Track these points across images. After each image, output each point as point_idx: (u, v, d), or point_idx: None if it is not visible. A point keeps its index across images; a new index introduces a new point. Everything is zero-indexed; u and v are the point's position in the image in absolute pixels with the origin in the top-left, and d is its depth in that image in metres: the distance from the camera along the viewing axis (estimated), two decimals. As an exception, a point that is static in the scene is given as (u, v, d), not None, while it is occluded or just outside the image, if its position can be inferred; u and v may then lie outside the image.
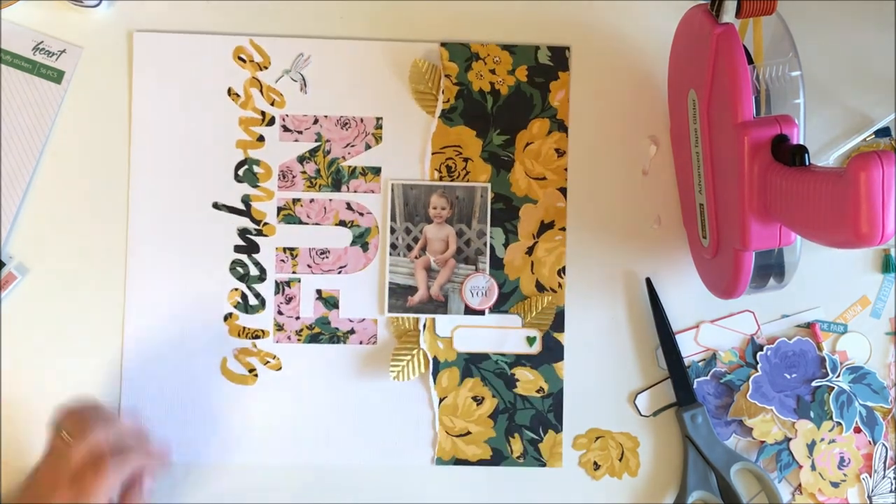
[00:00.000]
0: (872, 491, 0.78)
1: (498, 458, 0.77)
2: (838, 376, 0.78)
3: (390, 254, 0.77)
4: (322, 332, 0.77)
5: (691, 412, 0.77)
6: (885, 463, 0.78)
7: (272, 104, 0.78)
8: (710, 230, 0.71)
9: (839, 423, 0.78)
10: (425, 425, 0.77)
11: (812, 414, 0.78)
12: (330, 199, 0.78)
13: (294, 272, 0.77)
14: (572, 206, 0.79)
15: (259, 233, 0.77)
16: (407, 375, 0.76)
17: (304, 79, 0.78)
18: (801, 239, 0.70)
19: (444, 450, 0.77)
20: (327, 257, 0.77)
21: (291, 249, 0.77)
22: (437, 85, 0.78)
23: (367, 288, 0.77)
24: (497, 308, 0.78)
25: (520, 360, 0.78)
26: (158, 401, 0.76)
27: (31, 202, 0.76)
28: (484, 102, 0.78)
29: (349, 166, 0.78)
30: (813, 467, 0.78)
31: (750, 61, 0.69)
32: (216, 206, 0.77)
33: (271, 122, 0.78)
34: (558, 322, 0.78)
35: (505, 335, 0.78)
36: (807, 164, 0.61)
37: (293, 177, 0.77)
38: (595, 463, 0.78)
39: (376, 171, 0.78)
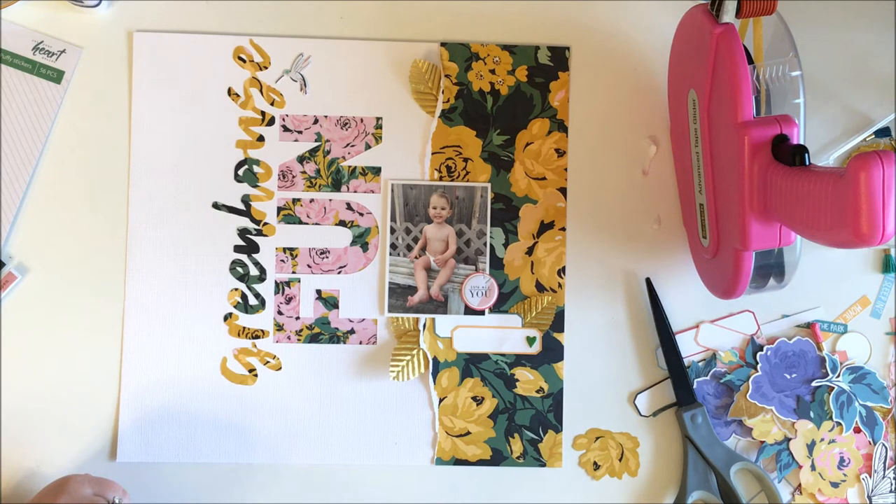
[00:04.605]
0: (872, 491, 0.78)
1: (498, 458, 0.77)
2: (838, 376, 0.78)
3: (390, 254, 0.77)
4: (322, 332, 0.77)
5: (691, 412, 0.77)
6: (884, 463, 0.78)
7: (272, 104, 0.78)
8: (710, 230, 0.71)
9: (839, 423, 0.78)
10: (425, 425, 0.77)
11: (812, 414, 0.78)
12: (330, 199, 0.78)
13: (294, 272, 0.77)
14: (572, 206, 0.79)
15: (259, 233, 0.77)
16: (407, 375, 0.76)
17: (304, 79, 0.78)
18: (801, 239, 0.70)
19: (444, 450, 0.77)
20: (327, 257, 0.77)
21: (291, 249, 0.77)
22: (437, 85, 0.78)
23: (367, 288, 0.77)
24: (497, 308, 0.78)
25: (520, 360, 0.78)
26: (158, 401, 0.76)
27: (31, 202, 0.76)
28: (484, 102, 0.78)
29: (349, 166, 0.78)
30: (813, 467, 0.78)
31: (750, 61, 0.69)
32: (216, 205, 0.77)
33: (271, 122, 0.78)
34: (558, 322, 0.78)
35: (505, 335, 0.78)
36: (807, 164, 0.61)
37: (293, 177, 0.77)
38: (595, 463, 0.78)
39: (376, 171, 0.78)
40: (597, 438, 0.78)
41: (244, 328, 0.77)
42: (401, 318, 0.77)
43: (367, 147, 0.78)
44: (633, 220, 0.79)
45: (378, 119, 0.78)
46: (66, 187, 0.76)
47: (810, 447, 0.78)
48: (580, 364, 0.78)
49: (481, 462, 0.77)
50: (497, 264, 0.78)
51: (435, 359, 0.77)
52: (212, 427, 0.76)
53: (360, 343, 0.77)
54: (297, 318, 0.77)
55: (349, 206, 0.78)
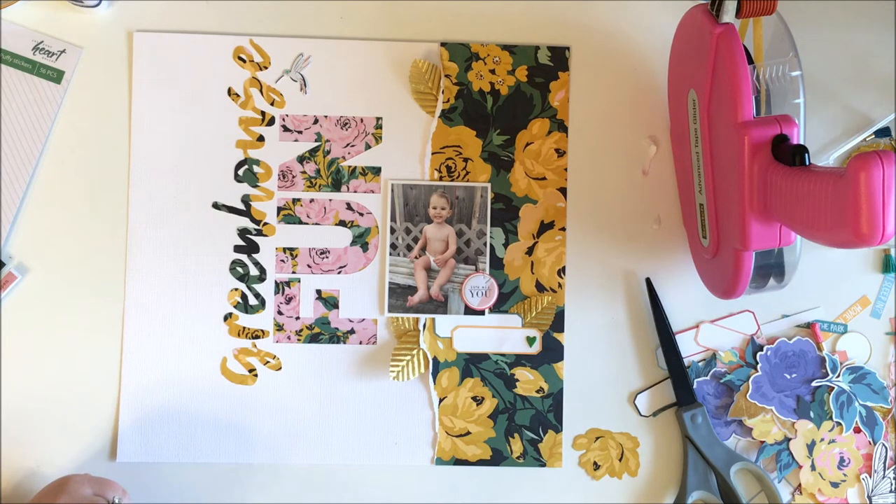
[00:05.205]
0: (872, 491, 0.78)
1: (498, 458, 0.77)
2: (838, 376, 0.78)
3: (390, 254, 0.77)
4: (322, 332, 0.77)
5: (691, 412, 0.77)
6: (884, 463, 0.78)
7: (272, 104, 0.78)
8: (710, 230, 0.71)
9: (839, 423, 0.78)
10: (425, 425, 0.77)
11: (812, 414, 0.78)
12: (330, 199, 0.78)
13: (294, 272, 0.77)
14: (572, 206, 0.79)
15: (259, 233, 0.77)
16: (407, 375, 0.76)
17: (304, 79, 0.78)
18: (801, 239, 0.70)
19: (444, 450, 0.77)
20: (327, 257, 0.77)
21: (291, 249, 0.77)
22: (437, 85, 0.78)
23: (367, 288, 0.77)
24: (497, 308, 0.78)
25: (520, 360, 0.78)
26: (158, 401, 0.76)
27: (31, 202, 0.76)
28: (484, 102, 0.78)
29: (349, 166, 0.78)
30: (813, 467, 0.78)
31: (750, 61, 0.69)
32: (216, 205, 0.77)
33: (271, 122, 0.78)
34: (558, 322, 0.78)
35: (505, 335, 0.78)
36: (807, 164, 0.61)
37: (293, 177, 0.77)
38: (595, 463, 0.78)
39: (376, 171, 0.78)
40: (597, 438, 0.78)
41: (244, 328, 0.77)
42: (401, 318, 0.77)
43: (367, 147, 0.78)
44: (633, 220, 0.79)
45: (378, 119, 0.78)
46: (66, 187, 0.76)
47: (810, 447, 0.78)
48: (580, 364, 0.78)
49: (481, 462, 0.77)
50: (497, 264, 0.78)
51: (435, 359, 0.77)
52: (212, 427, 0.76)
53: (360, 343, 0.77)
54: (297, 318, 0.77)
55: (349, 206, 0.78)
